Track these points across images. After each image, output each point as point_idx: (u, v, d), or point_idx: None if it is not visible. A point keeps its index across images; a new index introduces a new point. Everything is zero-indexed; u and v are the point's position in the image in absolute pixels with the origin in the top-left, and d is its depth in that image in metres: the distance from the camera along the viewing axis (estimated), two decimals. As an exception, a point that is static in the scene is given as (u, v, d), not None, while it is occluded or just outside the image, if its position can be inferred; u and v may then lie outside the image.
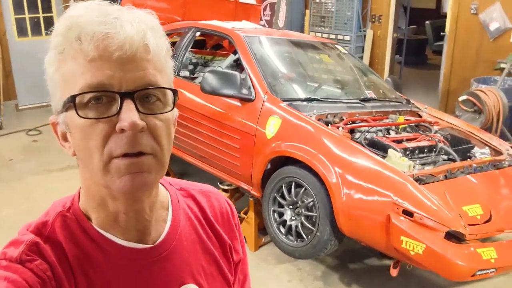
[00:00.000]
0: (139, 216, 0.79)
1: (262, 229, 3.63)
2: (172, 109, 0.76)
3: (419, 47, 10.78)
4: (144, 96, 0.72)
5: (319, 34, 7.26)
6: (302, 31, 7.47)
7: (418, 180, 2.72)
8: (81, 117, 0.69)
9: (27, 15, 6.90)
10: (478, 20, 6.09)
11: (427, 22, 10.87)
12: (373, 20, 7.05)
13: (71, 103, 0.69)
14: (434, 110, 4.04)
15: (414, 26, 10.94)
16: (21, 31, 6.90)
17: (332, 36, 7.05)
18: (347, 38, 7.00)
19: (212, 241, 0.91)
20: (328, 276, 3.27)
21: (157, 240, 0.82)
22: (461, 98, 5.22)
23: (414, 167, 2.82)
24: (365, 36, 7.08)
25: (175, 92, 0.76)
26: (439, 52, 11.29)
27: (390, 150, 2.87)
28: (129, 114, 0.68)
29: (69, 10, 0.73)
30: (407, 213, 2.54)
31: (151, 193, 0.79)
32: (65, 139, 0.76)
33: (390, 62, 7.03)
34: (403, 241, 2.52)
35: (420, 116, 3.83)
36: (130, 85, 0.70)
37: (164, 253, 0.82)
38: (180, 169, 4.83)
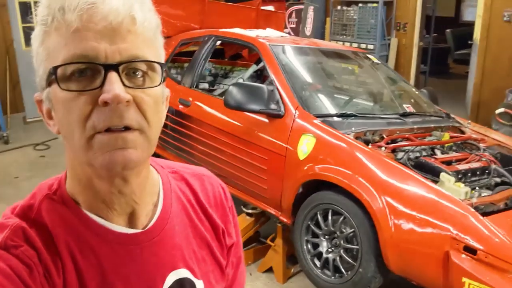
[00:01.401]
0: (129, 199, 0.76)
1: (289, 257, 3.28)
2: (160, 84, 0.72)
3: (441, 56, 10.40)
4: (131, 70, 0.68)
5: (340, 43, 6.94)
6: (323, 40, 7.15)
7: (477, 209, 2.36)
8: (63, 89, 0.66)
9: (35, 24, 6.63)
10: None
11: (448, 30, 10.54)
12: (398, 28, 6.72)
13: (53, 75, 0.67)
14: (477, 125, 3.68)
15: (435, 34, 10.60)
16: (29, 40, 6.63)
17: (355, 45, 6.72)
18: (370, 46, 6.69)
19: (204, 225, 0.89)
20: (368, 314, 2.90)
21: (147, 224, 0.79)
22: (498, 111, 4.87)
23: (471, 193, 2.46)
24: (389, 44, 6.75)
25: (163, 66, 0.72)
26: (460, 61, 10.98)
27: (442, 174, 2.51)
28: (113, 86, 0.65)
29: None
30: (469, 250, 2.18)
31: (139, 173, 0.76)
32: (49, 116, 0.73)
33: (415, 72, 6.69)
34: (465, 283, 2.15)
35: (464, 133, 3.47)
36: (115, 57, 0.66)
37: (155, 238, 0.79)
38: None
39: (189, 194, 0.90)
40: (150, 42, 0.71)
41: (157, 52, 0.74)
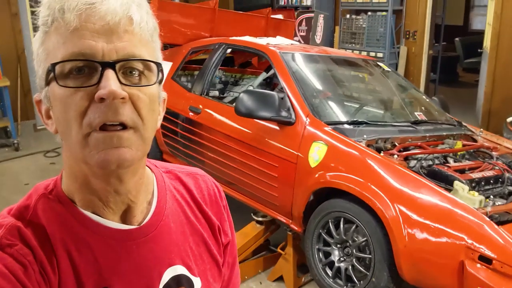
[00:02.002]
0: (125, 197, 0.77)
1: (300, 266, 3.25)
2: (156, 83, 0.73)
3: (450, 65, 10.33)
4: (128, 69, 0.70)
5: (349, 51, 6.92)
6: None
7: (491, 218, 2.33)
8: (60, 86, 0.68)
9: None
10: (523, 36, 5.70)
11: (457, 39, 10.49)
12: (407, 36, 6.69)
13: (52, 72, 0.68)
14: (489, 133, 3.64)
15: (444, 43, 10.56)
16: (41, 49, 6.67)
17: (364, 53, 6.70)
18: (379, 55, 6.65)
19: (200, 222, 0.90)
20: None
21: (142, 222, 0.80)
22: (509, 119, 4.81)
23: (485, 202, 2.43)
24: (398, 53, 6.72)
25: (159, 66, 0.74)
26: (469, 69, 10.93)
27: (456, 183, 2.48)
28: (109, 82, 0.66)
29: None
30: (485, 260, 2.14)
31: (135, 173, 0.76)
32: (48, 116, 0.75)
33: (425, 80, 6.66)
34: (481, 293, 2.12)
35: (476, 141, 3.43)
36: (112, 55, 0.68)
37: (150, 234, 0.80)
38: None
39: (184, 192, 0.91)
40: (146, 42, 0.73)
41: (154, 53, 0.76)
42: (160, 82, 0.75)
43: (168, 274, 0.82)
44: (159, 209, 0.83)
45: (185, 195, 0.91)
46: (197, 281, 0.86)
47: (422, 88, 6.68)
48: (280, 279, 3.26)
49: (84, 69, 0.69)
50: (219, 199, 0.96)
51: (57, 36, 0.70)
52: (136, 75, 0.71)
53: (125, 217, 0.79)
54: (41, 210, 0.75)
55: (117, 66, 0.69)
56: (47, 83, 0.71)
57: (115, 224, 0.77)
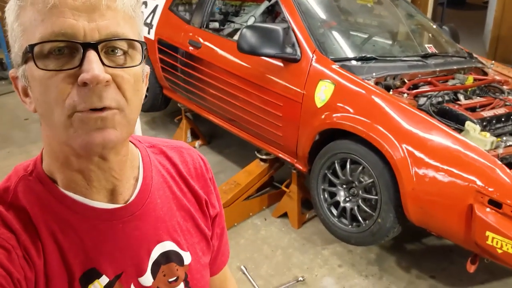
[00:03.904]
0: (108, 175, 0.75)
1: (304, 202, 3.26)
2: (141, 63, 0.71)
3: (457, -14, 9.92)
4: (110, 48, 0.67)
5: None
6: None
7: (503, 159, 2.28)
8: (40, 68, 0.65)
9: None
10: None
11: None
12: (416, -44, 6.32)
13: (30, 53, 0.65)
14: (500, 65, 3.52)
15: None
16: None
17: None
18: (386, -23, 6.31)
19: (187, 196, 0.89)
20: (384, 260, 2.90)
21: (128, 199, 0.79)
22: (520, 47, 4.66)
23: (497, 143, 2.36)
24: (406, -25, 6.38)
25: (144, 44, 0.71)
26: (478, -10, 10.48)
27: (467, 123, 2.40)
28: (92, 66, 0.63)
29: None
30: (495, 204, 2.11)
31: (119, 151, 0.75)
32: (25, 94, 0.71)
33: (433, 4, 6.37)
34: (488, 237, 2.11)
35: (486, 74, 3.31)
36: (94, 35, 0.65)
37: (137, 212, 0.79)
38: (209, 130, 4.43)
39: (169, 167, 0.89)
40: (130, 19, 0.70)
41: (138, 29, 0.72)
42: (144, 59, 0.72)
43: (157, 251, 0.81)
44: (145, 185, 0.82)
45: (170, 169, 0.89)
46: (186, 256, 0.86)
47: (429, 13, 6.43)
48: (284, 215, 3.28)
49: (64, 49, 0.65)
50: (205, 172, 0.94)
51: (34, 12, 0.65)
52: (120, 55, 0.68)
53: (111, 195, 0.77)
54: (22, 192, 0.73)
55: (100, 46, 0.65)
56: (24, 61, 0.67)
57: (100, 204, 0.76)
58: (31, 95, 0.70)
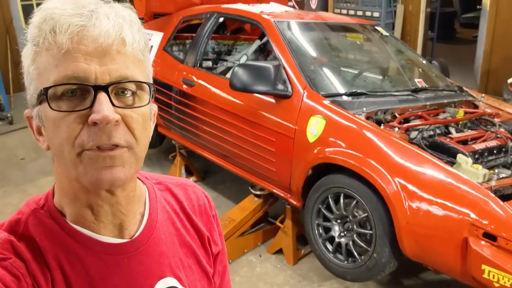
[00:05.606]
0: (115, 210, 0.77)
1: (299, 238, 3.22)
2: (149, 103, 0.74)
3: (447, 21, 10.10)
4: (120, 90, 0.70)
5: (344, 11, 6.73)
6: (326, 9, 6.93)
7: (496, 192, 2.28)
8: (53, 109, 0.68)
9: (34, 1, 6.48)
10: (523, -8, 5.53)
11: (454, -7, 10.25)
12: (404, -6, 6.48)
13: (44, 95, 0.68)
14: (491, 98, 3.56)
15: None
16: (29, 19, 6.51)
17: (360, 13, 6.53)
18: (376, 14, 6.47)
19: (190, 233, 0.90)
20: (381, 296, 2.86)
21: (134, 234, 0.81)
22: (510, 80, 4.72)
23: (489, 175, 2.37)
24: (395, 12, 6.53)
25: (151, 86, 0.74)
26: (467, 25, 10.71)
27: (459, 156, 2.42)
28: (102, 107, 0.66)
29: (45, 2, 0.71)
30: (489, 236, 2.10)
31: (126, 187, 0.77)
32: (39, 133, 0.75)
33: (423, 39, 6.50)
34: (485, 271, 2.09)
35: (477, 107, 3.35)
36: (105, 78, 0.68)
37: (142, 247, 0.80)
38: (203, 166, 4.43)
39: (174, 203, 0.92)
40: (139, 62, 0.73)
41: (146, 71, 0.76)
42: (152, 99, 0.76)
43: (159, 287, 0.82)
44: (151, 221, 0.84)
45: (175, 206, 0.91)
46: None
47: (419, 48, 6.54)
48: (279, 251, 3.24)
49: (77, 92, 0.69)
50: (209, 209, 0.96)
51: (48, 57, 0.69)
52: (129, 95, 0.72)
53: (118, 230, 0.79)
54: (32, 224, 0.75)
55: (110, 88, 0.69)
56: (39, 102, 0.71)
57: (107, 238, 0.78)
58: (44, 134, 0.74)
